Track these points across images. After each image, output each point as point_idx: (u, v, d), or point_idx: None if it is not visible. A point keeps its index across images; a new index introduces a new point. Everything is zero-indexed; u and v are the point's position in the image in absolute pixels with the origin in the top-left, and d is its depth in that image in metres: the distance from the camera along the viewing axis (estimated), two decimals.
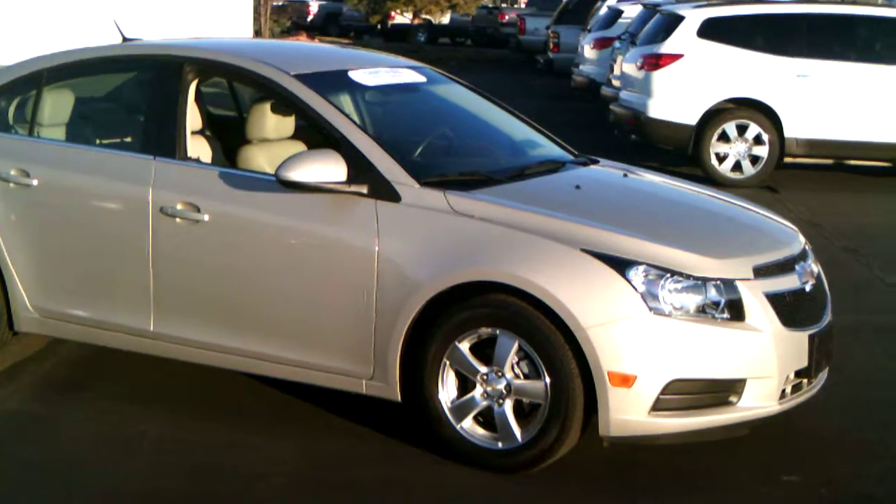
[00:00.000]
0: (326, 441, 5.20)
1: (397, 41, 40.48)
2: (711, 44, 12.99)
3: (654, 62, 13.15)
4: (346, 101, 5.68)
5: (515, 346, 4.76)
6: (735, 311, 4.71)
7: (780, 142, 12.79)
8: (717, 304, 4.70)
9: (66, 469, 4.92)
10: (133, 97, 6.18)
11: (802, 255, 5.26)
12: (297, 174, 4.99)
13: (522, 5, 44.43)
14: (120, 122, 6.11)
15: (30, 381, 5.89)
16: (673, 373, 4.62)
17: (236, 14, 21.53)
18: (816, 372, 5.07)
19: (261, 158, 5.71)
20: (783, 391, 4.87)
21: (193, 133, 5.71)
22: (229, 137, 6.13)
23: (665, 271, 4.66)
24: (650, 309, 4.60)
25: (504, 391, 4.82)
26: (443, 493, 4.77)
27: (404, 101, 6.09)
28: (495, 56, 35.73)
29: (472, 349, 4.88)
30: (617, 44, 16.83)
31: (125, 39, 6.33)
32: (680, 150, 13.07)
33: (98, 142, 6.03)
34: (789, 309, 4.88)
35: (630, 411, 4.63)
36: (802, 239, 5.47)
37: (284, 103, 5.50)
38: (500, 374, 4.82)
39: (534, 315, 4.70)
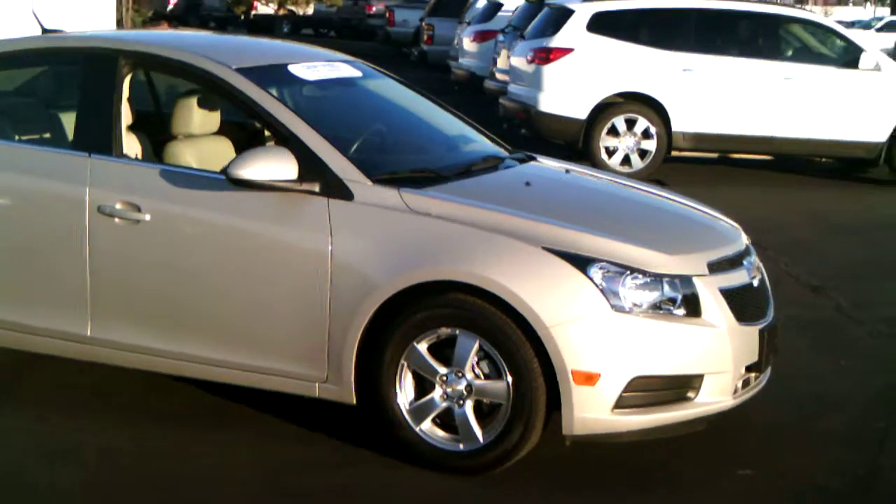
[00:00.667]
0: (278, 447, 5.08)
1: (261, 32, 40.05)
2: (601, 38, 13.14)
3: (545, 56, 13.23)
4: (286, 96, 5.54)
5: (476, 345, 4.71)
6: (691, 306, 4.74)
7: (667, 135, 13.00)
8: (673, 300, 4.72)
9: (4, 482, 4.70)
10: (61, 91, 5.93)
11: (747, 251, 5.33)
12: (247, 172, 4.85)
13: None
14: (46, 118, 5.84)
15: None
16: (635, 370, 4.63)
17: (98, 3, 20.96)
18: (765, 366, 5.14)
19: (188, 154, 5.55)
20: (736, 386, 4.92)
21: (125, 129, 5.50)
22: (153, 133, 5.93)
23: (625, 268, 4.67)
24: (612, 306, 4.60)
25: (465, 392, 4.77)
26: (405, 497, 4.69)
27: (342, 96, 5.97)
28: (363, 49, 35.50)
29: (430, 349, 4.82)
30: (500, 37, 16.91)
31: (45, 31, 6.08)
32: (570, 144, 13.18)
33: (17, 137, 5.76)
34: (740, 304, 4.93)
35: (593, 409, 4.62)
36: (744, 235, 5.54)
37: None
38: (460, 374, 4.77)
39: (495, 314, 4.65)
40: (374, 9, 40.65)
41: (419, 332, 4.79)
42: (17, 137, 5.76)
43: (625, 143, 13.01)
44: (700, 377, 4.77)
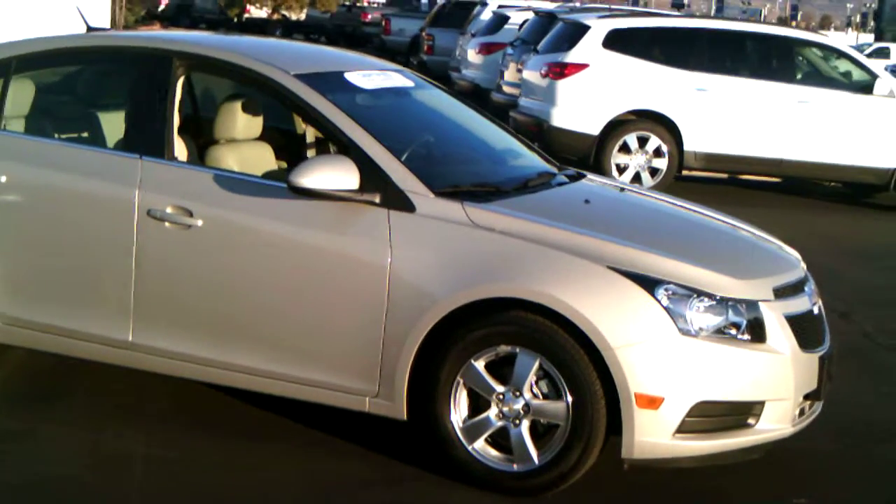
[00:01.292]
0: (327, 462, 4.97)
1: (253, 33, 39.88)
2: (616, 55, 13.10)
3: (559, 71, 13.19)
4: (343, 104, 5.44)
5: (536, 364, 4.63)
6: (756, 332, 4.67)
7: (679, 154, 12.96)
8: (738, 325, 4.65)
9: (55, 492, 4.59)
10: (112, 91, 5.82)
11: (807, 278, 5.27)
12: (309, 180, 4.76)
13: (376, 5, 44.37)
14: (90, 117, 5.72)
15: None
16: (699, 395, 4.55)
17: (93, 2, 20.83)
18: (823, 395, 5.07)
19: (230, 159, 5.46)
20: (794, 414, 4.86)
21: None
22: (195, 136, 5.83)
23: (692, 291, 4.59)
24: (679, 330, 4.52)
25: (522, 411, 4.68)
26: None
27: (395, 106, 5.89)
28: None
29: (487, 367, 4.73)
30: (509, 50, 16.84)
31: (90, 29, 5.97)
32: (582, 160, 13.11)
33: (59, 136, 5.66)
34: (803, 331, 4.87)
35: (655, 434, 4.54)
36: (802, 262, 5.48)
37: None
38: (517, 393, 4.68)
39: (558, 333, 4.57)
40: (369, 17, 40.60)
41: (478, 350, 4.70)
42: (59, 136, 5.66)
43: (636, 160, 12.97)
44: (762, 404, 4.70)
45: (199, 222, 5.02)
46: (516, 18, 19.20)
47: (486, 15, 21.03)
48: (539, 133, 13.37)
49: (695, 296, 4.59)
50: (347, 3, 45.79)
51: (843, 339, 7.45)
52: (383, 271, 4.76)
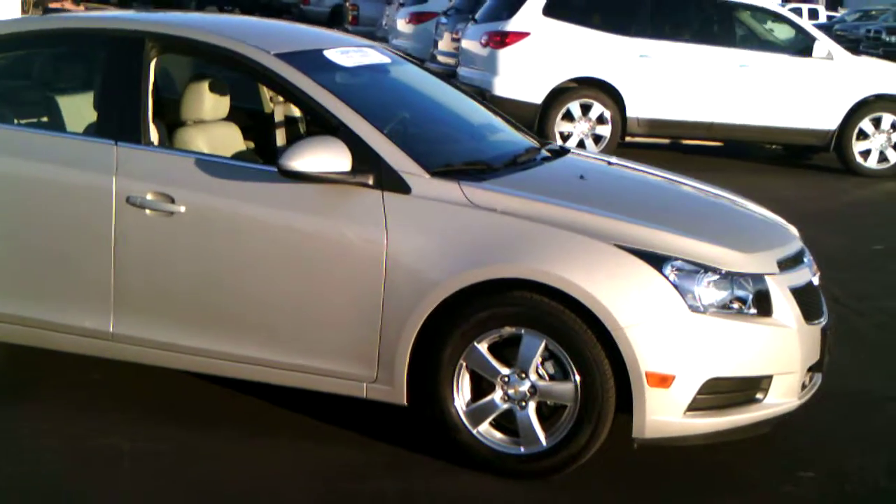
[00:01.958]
0: (325, 451, 4.81)
1: (168, 7, 39.11)
2: (557, 22, 12.99)
3: (500, 40, 13.04)
4: (327, 83, 5.24)
5: (542, 345, 4.51)
6: (763, 306, 4.60)
7: (622, 121, 12.91)
8: (744, 299, 4.57)
9: (44, 489, 4.39)
10: (80, 74, 5.56)
11: (805, 249, 5.21)
12: (300, 163, 4.57)
13: None
14: (63, 103, 5.45)
15: None
16: (710, 371, 4.47)
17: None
18: (825, 366, 5.02)
19: (199, 140, 5.28)
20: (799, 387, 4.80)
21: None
22: (163, 118, 5.60)
23: (700, 267, 4.50)
24: (689, 307, 4.43)
25: (528, 393, 4.57)
26: (470, 501, 4.49)
27: (378, 84, 5.70)
28: None
29: (490, 349, 4.60)
30: (443, 19, 16.66)
31: (45, 11, 5.69)
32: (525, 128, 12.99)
33: (26, 122, 5.41)
34: (805, 303, 4.81)
35: (666, 412, 4.46)
36: (797, 233, 5.42)
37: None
38: (523, 375, 4.56)
39: (564, 313, 4.46)
40: None
41: (481, 332, 4.57)
42: (27, 122, 5.41)
43: (579, 128, 12.88)
44: (769, 378, 4.64)
45: (182, 209, 4.81)
46: None
47: None
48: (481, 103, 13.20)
49: (702, 271, 4.50)
50: None
51: None
52: (379, 254, 4.61)
